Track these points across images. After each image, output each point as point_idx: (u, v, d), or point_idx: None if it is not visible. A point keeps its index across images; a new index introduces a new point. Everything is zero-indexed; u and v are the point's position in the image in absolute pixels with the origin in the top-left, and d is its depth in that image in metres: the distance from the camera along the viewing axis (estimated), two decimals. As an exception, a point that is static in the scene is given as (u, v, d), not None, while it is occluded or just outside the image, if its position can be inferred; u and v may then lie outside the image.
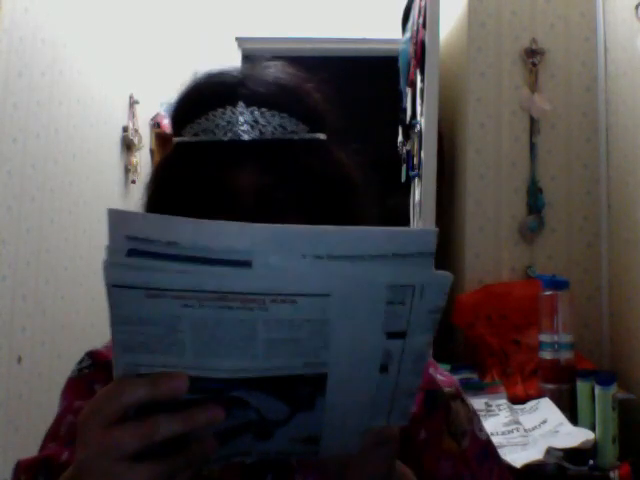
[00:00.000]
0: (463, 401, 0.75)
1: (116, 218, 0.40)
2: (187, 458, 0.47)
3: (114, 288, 0.42)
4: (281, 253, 0.41)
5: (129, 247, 0.40)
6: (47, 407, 2.19)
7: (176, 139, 0.67)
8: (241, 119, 0.63)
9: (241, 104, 0.63)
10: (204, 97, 0.66)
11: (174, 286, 0.41)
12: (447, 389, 0.75)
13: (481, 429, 0.76)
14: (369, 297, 0.44)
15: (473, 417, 0.76)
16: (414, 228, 0.48)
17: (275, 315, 0.43)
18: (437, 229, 0.43)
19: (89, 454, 0.45)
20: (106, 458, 0.44)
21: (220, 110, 0.63)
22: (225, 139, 0.63)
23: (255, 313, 0.43)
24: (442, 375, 0.76)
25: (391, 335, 0.46)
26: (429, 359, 0.76)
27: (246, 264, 0.41)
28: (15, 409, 2.01)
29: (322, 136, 0.67)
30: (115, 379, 0.45)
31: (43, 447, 0.70)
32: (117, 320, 0.43)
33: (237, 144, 0.63)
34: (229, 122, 0.63)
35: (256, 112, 0.63)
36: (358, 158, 0.72)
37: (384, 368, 0.48)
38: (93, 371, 0.74)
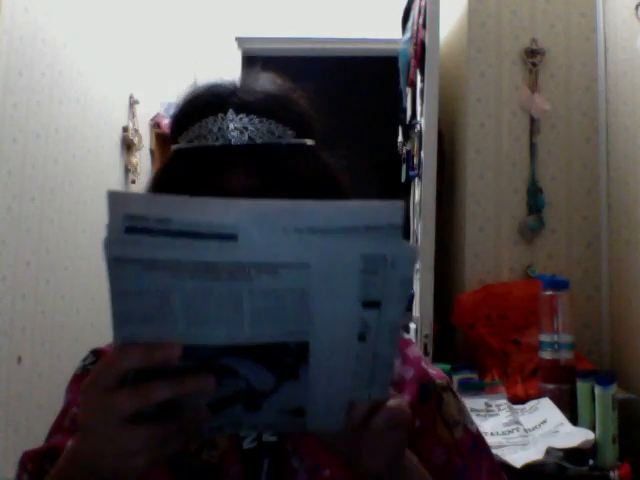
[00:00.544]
0: (454, 393, 0.79)
1: (115, 198, 0.44)
2: (180, 424, 0.50)
3: (113, 262, 0.45)
4: (263, 227, 0.45)
5: (127, 224, 0.44)
6: (47, 407, 2.20)
7: (173, 146, 0.72)
8: (231, 125, 0.68)
9: (231, 111, 0.68)
10: (198, 106, 0.71)
11: (167, 259, 0.45)
12: (439, 381, 0.78)
13: (471, 422, 0.79)
14: (345, 267, 0.47)
15: (463, 409, 0.79)
16: (382, 202, 0.51)
17: (259, 285, 0.46)
18: (403, 202, 0.46)
19: (91, 417, 0.49)
20: (106, 420, 0.48)
21: (212, 117, 0.68)
22: (217, 144, 0.67)
23: (241, 284, 0.46)
24: (434, 370, 0.80)
25: (367, 304, 0.49)
26: (419, 355, 0.81)
27: (232, 237, 0.45)
28: (15, 409, 2.01)
29: (309, 141, 0.72)
30: (114, 348, 0.49)
31: (48, 438, 0.74)
32: (116, 293, 0.46)
33: (227, 149, 0.67)
34: (219, 128, 0.68)
35: (245, 119, 0.68)
36: (346, 162, 0.75)
37: (362, 337, 0.51)
38: (90, 373, 0.75)
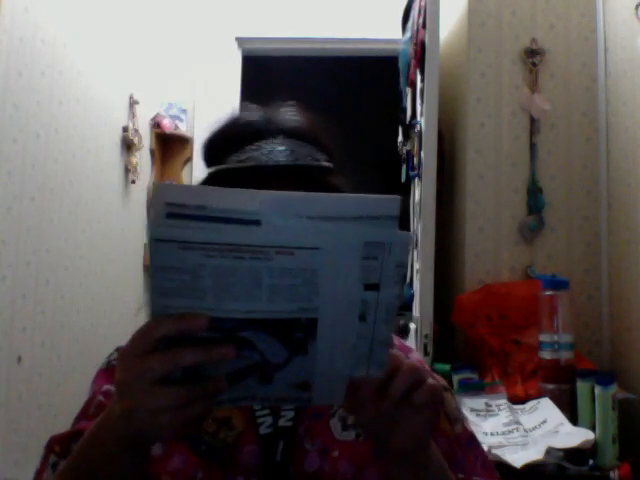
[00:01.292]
0: (452, 395, 0.88)
1: (159, 189, 0.52)
2: (202, 390, 0.58)
3: (155, 242, 0.52)
4: (283, 214, 0.52)
5: (168, 211, 0.51)
6: (47, 407, 2.19)
7: (222, 166, 0.81)
8: (282, 148, 0.80)
9: (282, 136, 0.81)
10: (246, 132, 0.82)
11: (201, 240, 0.52)
12: (441, 382, 0.85)
13: (466, 420, 0.87)
14: (349, 252, 0.54)
15: (461, 410, 0.88)
16: (382, 195, 0.59)
17: (277, 265, 0.54)
18: (400, 197, 0.53)
19: (126, 377, 0.57)
20: (139, 380, 0.56)
21: (264, 141, 0.80)
22: (269, 164, 0.78)
23: (262, 263, 0.53)
24: (434, 374, 0.86)
25: (367, 287, 0.56)
26: (421, 359, 0.91)
27: (256, 223, 0.52)
28: (15, 409, 2.01)
29: (331, 165, 0.85)
30: (149, 318, 0.56)
31: (74, 425, 0.81)
32: (156, 268, 0.54)
33: (277, 167, 0.78)
34: (270, 151, 0.79)
35: (293, 143, 0.81)
36: (352, 182, 0.88)
37: (362, 317, 0.58)
38: (126, 342, 0.81)
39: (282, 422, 0.78)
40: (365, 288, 0.56)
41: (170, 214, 0.51)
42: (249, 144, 0.80)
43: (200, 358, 0.56)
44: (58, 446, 0.77)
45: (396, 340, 0.89)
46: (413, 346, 2.02)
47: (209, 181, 0.82)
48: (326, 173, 0.82)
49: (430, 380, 0.63)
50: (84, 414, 0.81)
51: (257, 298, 0.55)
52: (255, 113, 0.86)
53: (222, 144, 0.84)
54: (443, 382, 0.86)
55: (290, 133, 0.82)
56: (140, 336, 0.57)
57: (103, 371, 0.86)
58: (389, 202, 0.54)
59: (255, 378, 0.61)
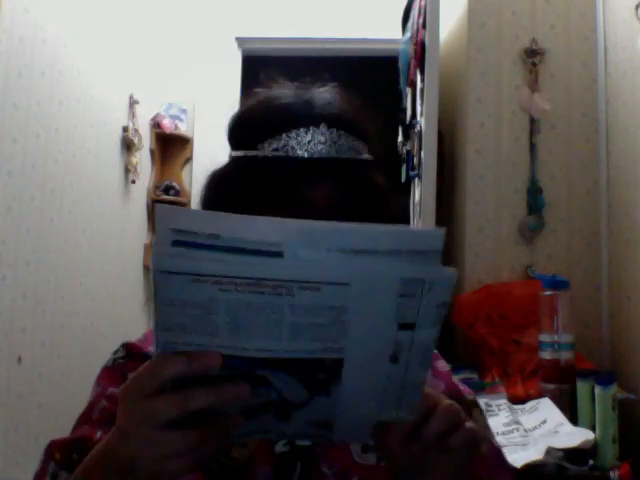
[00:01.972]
0: (480, 409, 0.84)
1: (163, 213, 0.46)
2: (216, 430, 0.53)
3: (160, 274, 0.47)
4: (309, 246, 0.47)
5: (174, 239, 0.46)
6: (47, 407, 2.20)
7: (253, 152, 0.73)
8: (322, 138, 0.72)
9: (324, 125, 0.72)
10: (282, 116, 0.74)
11: (214, 272, 0.47)
12: (468, 397, 0.82)
13: (493, 436, 0.85)
14: (384, 289, 0.49)
15: (488, 425, 0.83)
16: (424, 228, 0.56)
17: (301, 301, 0.48)
18: (445, 229, 0.48)
19: (130, 421, 0.52)
20: (145, 425, 0.51)
21: (303, 129, 0.72)
22: (308, 156, 0.71)
23: (283, 299, 0.48)
24: (462, 385, 0.84)
25: (402, 326, 0.51)
26: (448, 369, 0.85)
27: (278, 255, 0.47)
28: (15, 409, 2.01)
29: (372, 157, 0.78)
30: (155, 355, 0.51)
31: (76, 429, 0.75)
32: (161, 302, 0.49)
33: (314, 160, 0.71)
34: (310, 141, 0.72)
35: (335, 133, 0.73)
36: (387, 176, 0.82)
37: (394, 358, 0.52)
38: (127, 362, 0.77)
39: (299, 440, 0.72)
40: (399, 328, 0.51)
41: (177, 242, 0.46)
42: (285, 130, 0.72)
43: (213, 400, 0.51)
44: (59, 453, 0.72)
45: None
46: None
47: (233, 167, 0.75)
48: (366, 168, 0.76)
49: (468, 424, 0.58)
50: (87, 417, 0.76)
51: (277, 337, 0.49)
52: (292, 93, 0.77)
53: (254, 126, 0.75)
54: (470, 397, 0.81)
55: (332, 121, 0.73)
56: (145, 375, 0.51)
57: (107, 369, 0.80)
58: (431, 236, 0.49)
59: (271, 414, 0.56)
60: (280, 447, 0.71)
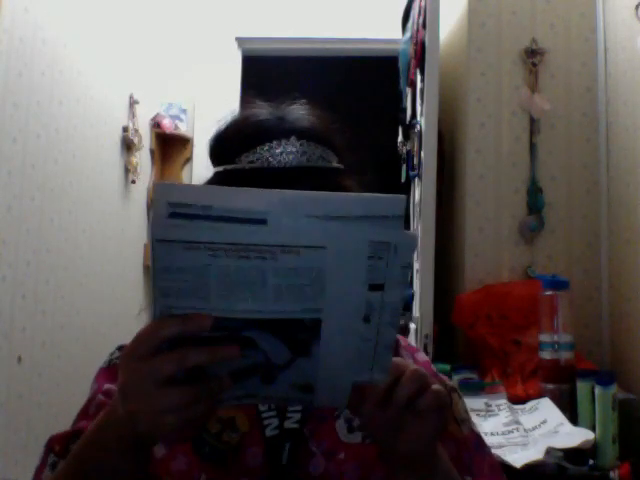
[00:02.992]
0: (460, 395, 0.87)
1: (160, 188, 0.51)
2: (208, 389, 0.57)
3: (157, 243, 0.52)
4: (290, 214, 0.52)
5: (170, 211, 0.50)
6: (47, 407, 2.19)
7: (231, 166, 0.79)
8: (293, 149, 0.78)
9: (294, 138, 0.79)
10: (256, 132, 0.80)
11: (206, 239, 0.52)
12: (448, 382, 0.86)
13: (473, 423, 0.87)
14: (355, 251, 0.54)
15: (468, 410, 0.87)
16: (388, 195, 0.59)
17: (283, 264, 0.53)
18: (405, 196, 0.53)
19: (130, 379, 0.57)
20: (144, 381, 0.55)
21: (275, 142, 0.78)
22: (280, 165, 0.77)
23: (267, 262, 0.53)
24: (441, 375, 0.88)
25: (372, 287, 0.56)
26: (427, 359, 0.89)
27: (263, 222, 0.51)
28: (15, 409, 2.01)
29: (341, 166, 0.84)
30: (153, 319, 0.56)
31: (74, 424, 0.80)
32: (159, 269, 0.53)
33: (288, 170, 0.77)
34: (282, 152, 0.78)
35: (305, 144, 0.79)
36: (361, 182, 0.87)
37: (367, 319, 0.57)
38: (129, 343, 0.80)
39: (288, 424, 0.76)
40: (370, 288, 0.56)
41: (173, 214, 0.51)
42: (260, 144, 0.78)
43: (205, 359, 0.56)
44: (58, 445, 0.77)
45: (402, 340, 0.89)
46: (413, 346, 2.02)
47: (216, 180, 0.81)
48: (338, 175, 0.81)
49: (435, 385, 0.62)
50: (84, 413, 0.80)
51: (262, 298, 0.54)
52: (265, 111, 0.84)
53: (231, 143, 0.81)
54: (450, 383, 0.86)
55: (302, 134, 0.80)
56: (144, 337, 0.56)
57: (104, 370, 0.85)
58: (394, 201, 0.53)
59: (258, 378, 0.60)
60: (270, 431, 0.76)
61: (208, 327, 0.55)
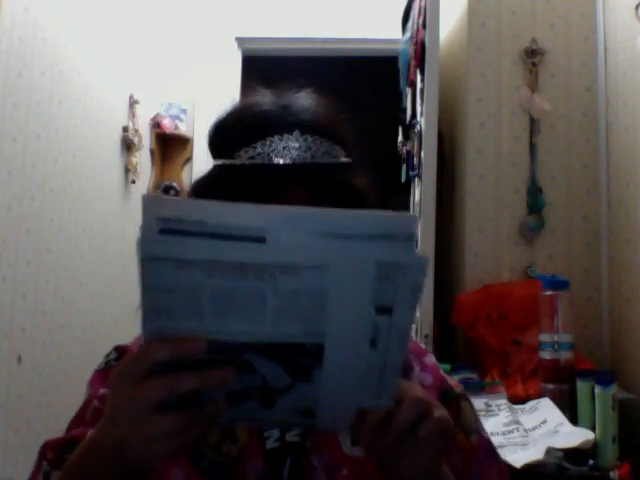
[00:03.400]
0: (469, 402, 0.84)
1: (149, 202, 0.48)
2: (202, 414, 0.54)
3: (147, 261, 0.48)
4: (290, 231, 0.48)
5: (161, 226, 0.47)
6: (47, 407, 2.19)
7: (229, 161, 0.75)
8: (296, 144, 0.73)
9: (297, 132, 0.74)
10: (257, 124, 0.75)
11: (200, 258, 0.48)
12: (457, 389, 0.83)
13: (483, 428, 0.83)
14: (361, 272, 0.51)
15: (477, 416, 0.84)
16: (398, 213, 0.56)
17: (283, 285, 0.50)
18: (416, 215, 0.48)
19: (119, 405, 0.54)
20: (134, 408, 0.52)
21: (277, 136, 0.73)
22: (282, 162, 0.73)
23: (266, 283, 0.50)
24: (450, 379, 0.85)
25: (379, 310, 0.52)
26: (436, 363, 0.86)
27: (261, 240, 0.48)
28: (15, 409, 2.01)
29: (349, 160, 0.79)
30: (144, 341, 0.53)
31: (69, 430, 0.77)
32: (148, 289, 0.50)
33: (291, 166, 0.73)
34: (285, 147, 0.73)
35: (309, 139, 0.74)
36: (369, 177, 0.82)
37: (373, 343, 0.54)
38: (119, 364, 0.77)
39: (290, 436, 0.73)
40: (377, 311, 0.52)
41: (164, 230, 0.47)
42: (261, 138, 0.74)
43: (198, 383, 0.53)
44: (51, 453, 0.73)
45: (411, 342, 0.85)
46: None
47: (214, 175, 0.77)
48: (345, 172, 0.77)
49: (438, 411, 0.60)
50: (79, 419, 0.77)
51: (260, 321, 0.51)
52: (268, 100, 0.79)
53: (231, 134, 0.77)
54: (459, 390, 0.83)
55: (306, 127, 0.74)
56: (135, 360, 0.53)
57: (100, 372, 0.81)
58: (404, 220, 0.50)
59: (256, 401, 0.57)
60: (271, 443, 0.72)
61: (203, 351, 0.51)
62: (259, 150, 0.73)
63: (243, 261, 0.49)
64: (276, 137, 0.73)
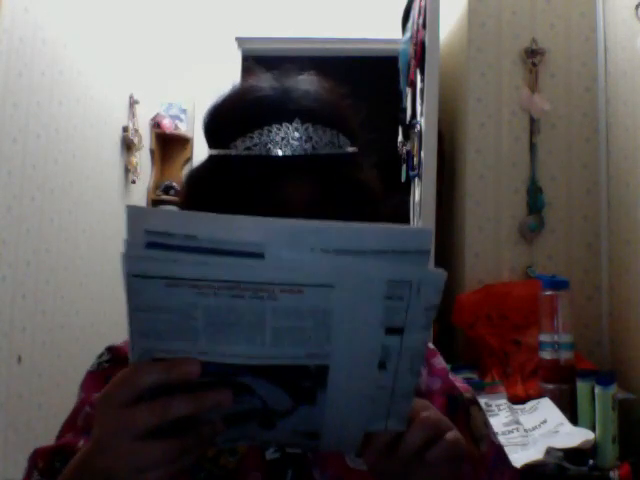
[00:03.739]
0: (479, 407, 0.79)
1: (135, 213, 0.44)
2: (196, 439, 0.50)
3: (133, 278, 0.45)
4: (291, 246, 0.44)
5: (148, 240, 0.43)
6: (47, 407, 2.19)
7: (225, 151, 0.69)
8: (296, 134, 0.67)
9: (297, 120, 0.68)
10: (254, 112, 0.69)
11: (191, 276, 0.44)
12: (466, 394, 0.79)
13: (494, 433, 0.79)
14: (369, 291, 0.46)
15: (488, 422, 0.79)
16: (412, 227, 0.52)
17: (283, 304, 0.46)
18: (432, 229, 0.45)
19: (105, 432, 0.49)
20: (121, 436, 0.47)
21: (276, 125, 0.68)
22: (281, 154, 0.67)
23: (265, 302, 0.45)
24: (459, 382, 0.81)
25: (389, 331, 0.48)
26: (445, 366, 0.82)
27: (259, 256, 0.44)
28: (15, 409, 2.01)
29: (355, 150, 0.73)
30: (131, 364, 0.48)
31: (60, 437, 0.73)
32: (135, 308, 0.46)
33: (290, 158, 0.67)
34: (284, 138, 0.67)
35: (310, 128, 0.68)
36: (374, 169, 0.77)
37: (382, 365, 0.50)
38: (112, 365, 0.76)
39: (290, 448, 0.69)
40: (387, 332, 0.48)
41: (151, 244, 0.43)
42: (259, 127, 0.68)
43: (191, 408, 0.48)
44: (42, 462, 0.69)
45: None
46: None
47: (209, 166, 0.72)
48: (349, 163, 0.71)
49: (450, 434, 0.55)
50: (71, 425, 0.73)
51: (259, 342, 0.47)
52: (268, 85, 0.72)
53: (227, 123, 0.71)
54: (469, 395, 0.79)
55: (308, 115, 0.68)
56: (122, 384, 0.48)
57: (92, 373, 0.77)
58: (420, 234, 0.47)
59: (255, 422, 0.53)
60: (271, 454, 0.68)
61: (196, 375, 0.47)
62: (256, 140, 0.68)
63: (239, 279, 0.44)
64: (274, 126, 0.68)
